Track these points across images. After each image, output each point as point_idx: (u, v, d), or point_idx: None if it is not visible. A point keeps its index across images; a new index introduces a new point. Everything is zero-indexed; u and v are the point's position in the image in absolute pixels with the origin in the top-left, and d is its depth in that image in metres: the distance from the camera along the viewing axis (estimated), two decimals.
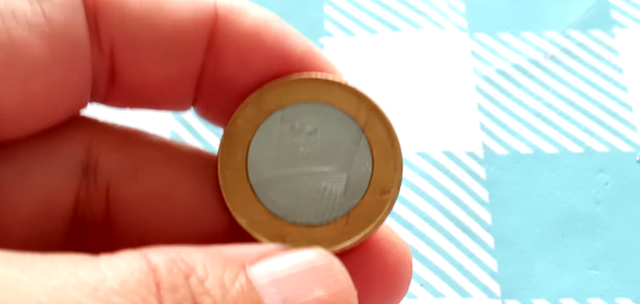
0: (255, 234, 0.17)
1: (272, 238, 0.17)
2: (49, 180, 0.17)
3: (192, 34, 0.17)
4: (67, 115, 0.17)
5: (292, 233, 0.17)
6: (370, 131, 0.17)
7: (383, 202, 0.17)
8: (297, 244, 0.16)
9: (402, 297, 0.18)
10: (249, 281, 0.14)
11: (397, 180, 0.17)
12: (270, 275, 0.14)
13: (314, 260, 0.15)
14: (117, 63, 0.17)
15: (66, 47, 0.16)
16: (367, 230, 0.17)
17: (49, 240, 0.17)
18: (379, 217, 0.17)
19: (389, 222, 0.32)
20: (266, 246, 0.15)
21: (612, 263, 0.32)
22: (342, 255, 0.15)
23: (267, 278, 0.14)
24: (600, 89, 0.36)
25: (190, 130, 0.35)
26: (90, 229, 0.17)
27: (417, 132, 0.35)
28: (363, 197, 0.17)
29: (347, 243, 0.17)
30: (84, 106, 0.17)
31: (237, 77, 0.17)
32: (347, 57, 0.37)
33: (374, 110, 0.17)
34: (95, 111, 0.18)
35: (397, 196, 0.17)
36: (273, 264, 0.14)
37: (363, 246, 0.17)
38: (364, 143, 0.17)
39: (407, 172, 0.34)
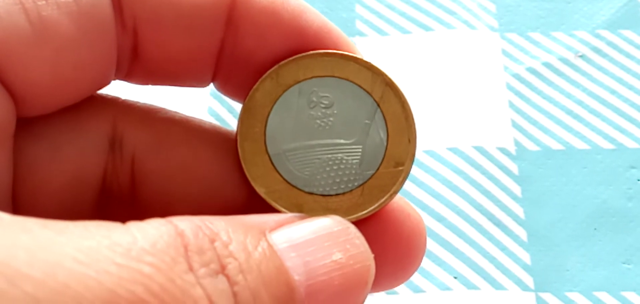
0: (273, 203, 0.17)
1: (290, 207, 0.17)
2: (79, 154, 0.17)
3: (212, 11, 0.17)
4: (94, 90, 0.18)
5: (308, 202, 0.17)
6: (385, 105, 0.18)
7: (397, 174, 0.17)
8: (314, 213, 0.16)
9: (416, 268, 0.18)
10: (270, 245, 0.14)
11: (411, 153, 0.18)
12: (290, 241, 0.15)
13: (330, 226, 0.15)
14: (140, 40, 0.17)
15: (92, 25, 0.16)
16: (382, 200, 0.17)
17: (78, 211, 0.18)
18: (394, 188, 0.17)
19: (421, 215, 0.33)
20: (284, 215, 0.15)
21: None
22: (357, 225, 0.16)
23: (287, 243, 0.14)
24: (630, 87, 0.36)
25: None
26: (117, 201, 0.18)
27: (449, 128, 0.35)
28: (378, 168, 0.17)
29: (363, 212, 0.17)
30: (108, 81, 0.18)
31: (255, 53, 0.18)
32: (380, 56, 0.37)
33: (389, 85, 0.18)
34: (119, 88, 0.19)
35: (410, 168, 0.17)
36: (292, 231, 0.15)
37: (378, 217, 0.18)
38: (379, 117, 0.18)
39: (439, 167, 0.34)
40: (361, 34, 0.38)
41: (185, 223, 0.13)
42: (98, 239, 0.12)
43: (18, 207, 0.17)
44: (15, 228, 0.12)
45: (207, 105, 0.36)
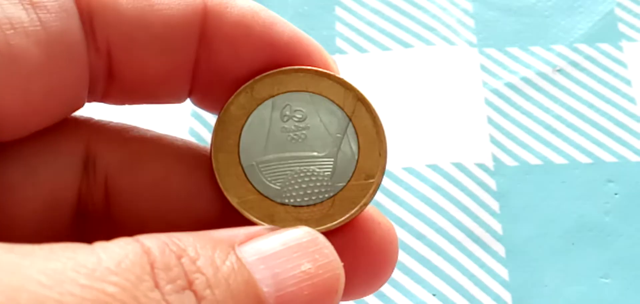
0: (245, 213, 0.18)
1: (262, 217, 0.17)
2: (54, 176, 0.18)
3: (184, 29, 0.18)
4: (66, 114, 0.18)
5: (280, 213, 0.18)
6: (357, 119, 0.18)
7: (368, 186, 0.18)
8: (285, 224, 0.17)
9: (388, 276, 0.19)
10: (239, 259, 0.14)
11: (382, 166, 0.18)
12: (259, 253, 0.15)
13: (299, 237, 0.15)
14: (114, 62, 0.18)
15: (62, 51, 0.17)
16: (352, 212, 0.18)
17: (54, 232, 0.18)
18: (364, 200, 0.18)
19: (400, 232, 0.33)
20: (253, 228, 0.16)
21: (622, 272, 0.32)
22: (328, 235, 0.16)
23: (256, 256, 0.15)
24: (608, 101, 0.37)
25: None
26: (92, 221, 0.18)
27: (428, 144, 0.35)
28: (349, 181, 0.18)
29: (333, 223, 0.18)
30: (81, 105, 0.18)
31: (230, 66, 0.18)
32: (360, 73, 0.38)
33: (360, 100, 0.18)
34: (95, 109, 0.19)
35: (381, 181, 0.18)
36: (261, 244, 0.15)
37: (348, 226, 0.18)
38: (350, 131, 0.18)
39: (418, 184, 0.34)
40: (341, 51, 0.39)
41: (151, 241, 0.14)
42: (63, 261, 0.13)
43: None
44: None
45: (188, 125, 0.36)
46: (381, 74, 0.38)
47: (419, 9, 0.40)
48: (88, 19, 0.17)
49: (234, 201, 0.18)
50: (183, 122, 0.36)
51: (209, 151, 0.18)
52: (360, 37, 0.39)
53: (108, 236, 0.14)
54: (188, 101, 0.19)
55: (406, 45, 0.39)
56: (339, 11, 0.40)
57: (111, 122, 0.19)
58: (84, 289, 0.12)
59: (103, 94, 0.18)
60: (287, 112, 0.18)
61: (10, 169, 0.17)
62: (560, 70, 0.38)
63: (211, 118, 0.36)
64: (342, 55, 0.38)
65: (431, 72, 0.38)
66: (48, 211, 0.18)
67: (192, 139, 0.35)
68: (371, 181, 0.18)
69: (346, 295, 0.16)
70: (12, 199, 0.17)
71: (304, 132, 0.18)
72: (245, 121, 0.18)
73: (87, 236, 0.18)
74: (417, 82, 0.37)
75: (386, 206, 0.34)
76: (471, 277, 0.32)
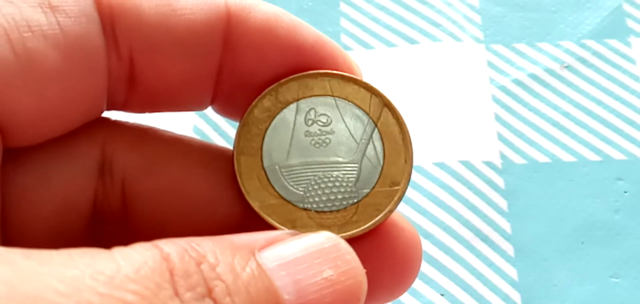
0: (266, 218, 0.17)
1: (283, 222, 0.17)
2: (68, 180, 0.17)
3: (207, 35, 0.17)
4: (83, 122, 0.17)
5: (302, 218, 0.17)
6: (383, 125, 0.18)
7: (393, 193, 0.18)
8: (307, 229, 0.16)
9: (413, 280, 0.18)
10: (259, 265, 0.14)
11: (407, 173, 0.18)
12: (280, 259, 0.14)
13: (321, 242, 0.15)
14: (137, 69, 0.17)
15: (81, 56, 0.16)
16: (376, 219, 0.17)
17: (70, 237, 0.17)
18: (389, 208, 0.17)
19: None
20: (273, 233, 0.15)
21: (632, 271, 0.32)
22: (352, 241, 0.16)
23: (276, 261, 0.14)
24: (616, 97, 0.36)
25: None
26: (109, 225, 0.18)
27: (435, 142, 0.35)
28: (373, 187, 0.18)
29: (357, 230, 0.17)
30: (99, 113, 0.18)
31: (254, 72, 0.18)
32: (365, 70, 0.37)
33: (387, 106, 0.18)
34: (108, 111, 0.18)
35: (406, 188, 0.18)
36: (282, 249, 0.15)
37: (372, 232, 0.18)
38: (376, 136, 0.18)
39: (425, 183, 0.34)
40: (346, 47, 0.38)
41: (170, 246, 0.13)
42: (81, 268, 0.12)
43: (8, 236, 0.17)
44: None
45: (192, 123, 0.36)
46: (387, 71, 0.37)
47: (424, 5, 0.39)
48: (110, 24, 0.17)
49: (255, 205, 0.17)
50: (187, 119, 0.36)
51: (227, 152, 0.18)
52: (366, 34, 0.38)
53: (125, 239, 0.14)
54: None
55: (412, 41, 0.38)
56: (343, 7, 0.39)
57: (127, 122, 0.18)
58: (102, 297, 0.12)
59: (124, 102, 0.18)
60: (312, 117, 0.18)
61: (24, 174, 0.17)
62: (568, 67, 0.37)
63: (215, 116, 0.36)
64: (347, 51, 0.38)
65: (437, 69, 0.37)
66: (63, 216, 0.17)
67: (196, 137, 0.35)
68: (396, 188, 0.18)
69: (369, 301, 0.16)
70: (26, 204, 0.17)
71: (328, 137, 0.18)
72: (269, 124, 0.18)
73: (104, 240, 0.18)
74: (423, 79, 0.37)
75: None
76: (480, 276, 0.32)
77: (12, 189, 0.17)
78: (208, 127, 0.36)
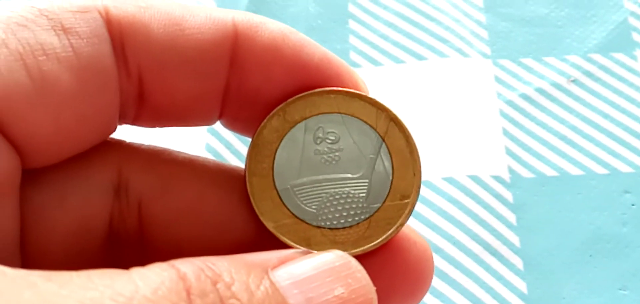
0: (281, 237, 0.18)
1: (298, 241, 0.18)
2: (84, 201, 0.18)
3: (215, 53, 0.18)
4: (98, 140, 0.18)
5: (316, 236, 0.18)
6: (390, 139, 0.18)
7: (403, 206, 0.18)
8: (321, 247, 0.17)
9: (425, 293, 0.19)
10: (272, 284, 0.14)
11: (417, 185, 0.18)
12: (293, 277, 0.15)
13: (332, 261, 0.15)
14: (146, 87, 0.18)
15: (94, 77, 0.17)
16: (389, 233, 0.18)
17: (86, 258, 0.18)
18: (400, 221, 0.18)
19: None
20: (286, 252, 0.16)
21: None
22: (365, 257, 0.16)
23: (289, 280, 0.15)
24: (623, 111, 0.37)
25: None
26: (125, 245, 0.18)
27: (443, 157, 0.35)
28: (384, 202, 0.18)
29: (370, 245, 0.18)
30: (112, 131, 0.18)
31: (261, 89, 0.18)
32: (374, 87, 0.38)
33: (393, 120, 0.19)
34: (125, 131, 0.19)
35: (416, 201, 0.18)
36: (294, 268, 0.15)
37: (384, 246, 0.18)
38: (384, 151, 0.18)
39: (434, 198, 0.34)
40: (355, 64, 0.39)
41: (187, 266, 0.14)
42: (101, 290, 0.13)
43: (26, 256, 0.17)
44: (19, 283, 0.13)
45: (204, 142, 0.37)
46: (395, 87, 0.38)
47: (432, 21, 0.40)
48: (120, 44, 0.17)
49: (269, 226, 0.18)
50: (199, 138, 0.36)
51: (240, 172, 0.18)
52: (374, 50, 0.39)
53: (141, 259, 0.14)
54: None
55: (420, 57, 0.39)
56: (352, 24, 0.40)
57: (142, 145, 0.19)
58: None
59: (134, 117, 0.19)
60: (320, 134, 0.18)
61: (41, 195, 0.17)
62: (575, 81, 0.38)
63: (227, 134, 0.37)
64: (356, 68, 0.38)
65: (445, 84, 0.38)
66: (79, 237, 0.18)
67: (210, 155, 0.36)
68: (406, 201, 0.18)
69: None
70: (43, 225, 0.17)
71: (337, 154, 0.18)
72: (279, 144, 0.18)
73: (121, 260, 0.18)
74: (431, 94, 0.37)
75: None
76: (489, 290, 0.32)
77: (30, 209, 0.17)
78: (221, 145, 0.36)
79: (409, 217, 0.18)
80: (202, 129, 0.37)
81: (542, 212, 0.34)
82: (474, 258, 0.33)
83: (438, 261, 0.33)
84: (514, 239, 0.33)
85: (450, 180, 0.35)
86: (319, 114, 0.18)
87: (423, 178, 0.35)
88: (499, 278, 0.33)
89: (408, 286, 0.18)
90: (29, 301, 0.12)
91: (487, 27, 0.39)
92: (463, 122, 0.36)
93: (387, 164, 0.18)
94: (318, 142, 0.18)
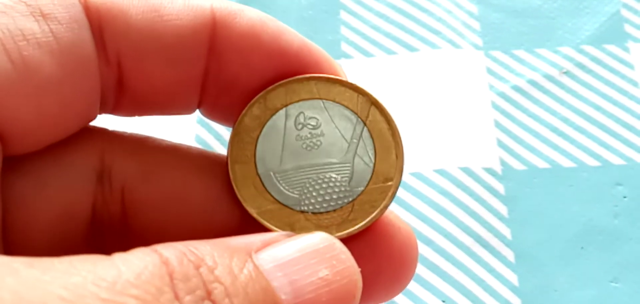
0: (265, 223, 0.18)
1: (282, 226, 0.18)
2: (66, 187, 0.18)
3: (193, 39, 0.18)
4: (79, 126, 0.18)
5: (300, 220, 0.18)
6: (372, 123, 0.18)
7: (386, 189, 0.18)
8: (306, 231, 0.17)
9: (410, 279, 0.19)
10: (256, 267, 0.14)
11: (399, 168, 0.18)
12: (276, 260, 0.15)
13: (316, 243, 0.15)
14: (124, 73, 0.18)
15: (75, 62, 0.17)
16: (373, 215, 0.18)
17: (69, 244, 0.18)
18: (384, 203, 0.18)
19: None
20: (270, 235, 0.16)
21: (632, 275, 0.32)
22: (349, 241, 0.16)
23: (273, 263, 0.15)
24: (615, 103, 0.37)
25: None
26: (109, 232, 0.18)
27: (435, 149, 0.35)
28: (367, 185, 0.18)
29: (354, 228, 0.18)
30: (94, 117, 0.18)
31: (239, 77, 0.18)
32: (365, 78, 0.37)
33: (374, 104, 0.18)
34: (106, 121, 0.19)
35: (399, 183, 0.18)
36: (278, 250, 0.15)
37: (369, 232, 0.18)
38: (366, 135, 0.18)
39: (426, 189, 0.34)
40: (347, 55, 0.38)
41: (169, 251, 0.14)
42: (83, 275, 0.13)
43: (8, 243, 0.17)
44: (1, 269, 0.12)
45: (194, 133, 0.36)
46: (387, 78, 0.38)
47: (424, 12, 0.39)
48: (98, 30, 0.17)
49: (253, 212, 0.18)
50: (189, 129, 0.36)
51: (224, 159, 0.18)
52: (366, 41, 0.39)
53: (125, 245, 0.14)
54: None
55: (412, 49, 0.38)
56: (344, 15, 0.40)
57: (125, 132, 0.19)
58: (105, 303, 0.12)
59: (114, 106, 0.18)
60: (301, 120, 0.18)
61: (22, 182, 0.17)
62: (567, 73, 0.38)
63: (217, 125, 0.36)
64: (347, 59, 0.38)
65: (437, 75, 0.37)
66: (62, 223, 0.18)
67: (199, 146, 0.35)
68: (389, 183, 0.18)
69: (367, 301, 0.16)
70: (25, 212, 0.17)
71: (319, 139, 0.18)
72: (260, 132, 0.18)
73: (104, 246, 0.18)
74: (423, 86, 0.37)
75: (394, 210, 0.34)
76: (480, 282, 0.32)
77: (12, 196, 0.17)
78: (210, 136, 0.36)
79: (392, 199, 0.18)
80: (192, 120, 0.36)
81: (534, 204, 0.34)
82: (465, 250, 0.33)
83: (429, 253, 0.33)
84: (506, 231, 0.33)
85: (441, 172, 0.35)
86: (299, 100, 0.18)
87: (414, 170, 0.35)
88: (490, 270, 0.32)
89: (393, 270, 0.18)
90: (11, 287, 0.12)
91: (479, 19, 0.39)
92: (455, 113, 0.36)
93: (370, 147, 0.18)
94: (299, 128, 0.18)
